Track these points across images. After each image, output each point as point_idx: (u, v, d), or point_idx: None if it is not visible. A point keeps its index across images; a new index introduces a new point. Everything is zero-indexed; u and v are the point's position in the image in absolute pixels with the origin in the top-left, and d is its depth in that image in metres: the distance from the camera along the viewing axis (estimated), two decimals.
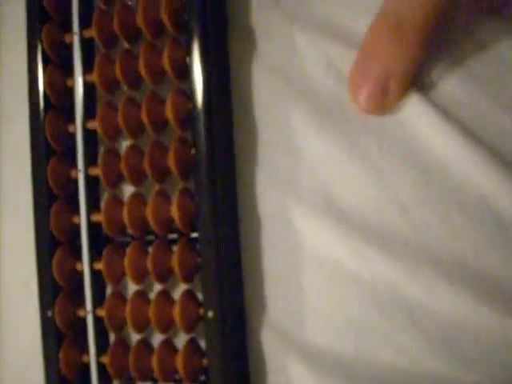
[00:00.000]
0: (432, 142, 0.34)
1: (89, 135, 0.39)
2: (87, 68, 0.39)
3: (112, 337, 0.40)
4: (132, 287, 0.40)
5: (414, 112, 0.34)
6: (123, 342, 0.39)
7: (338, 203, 0.36)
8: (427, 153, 0.34)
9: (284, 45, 0.37)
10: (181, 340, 0.38)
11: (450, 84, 0.34)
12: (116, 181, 0.39)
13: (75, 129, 0.39)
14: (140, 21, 0.37)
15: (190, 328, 0.37)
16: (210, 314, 0.35)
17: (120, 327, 0.39)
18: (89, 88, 0.40)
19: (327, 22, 0.37)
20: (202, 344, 0.37)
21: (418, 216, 0.34)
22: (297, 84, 0.37)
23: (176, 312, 0.37)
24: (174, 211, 0.36)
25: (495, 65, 0.34)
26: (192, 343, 0.37)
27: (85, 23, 0.39)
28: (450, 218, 0.34)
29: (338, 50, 0.36)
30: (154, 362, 0.37)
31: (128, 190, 0.40)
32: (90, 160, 0.39)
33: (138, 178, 0.38)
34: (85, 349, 0.39)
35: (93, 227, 0.39)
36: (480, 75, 0.34)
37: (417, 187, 0.34)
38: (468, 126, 0.34)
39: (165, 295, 0.38)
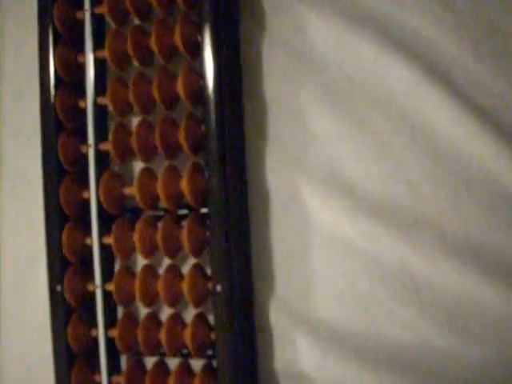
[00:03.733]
0: (440, 118, 0.34)
1: (99, 111, 0.40)
2: (98, 44, 0.40)
3: (120, 311, 0.40)
4: (141, 261, 0.40)
5: (423, 89, 0.35)
6: (132, 316, 0.39)
7: (346, 179, 0.36)
8: (435, 129, 0.35)
9: (294, 23, 0.38)
10: (189, 314, 0.38)
11: (459, 61, 0.35)
12: (126, 156, 0.39)
13: (86, 104, 0.40)
14: None
15: (198, 302, 0.37)
16: (219, 288, 0.35)
17: (129, 301, 0.39)
18: (100, 64, 0.40)
19: (336, 0, 0.37)
20: (210, 318, 0.38)
21: (424, 192, 0.35)
22: (306, 61, 0.37)
23: (185, 286, 0.37)
24: (184, 186, 0.37)
25: (504, 42, 0.34)
26: (200, 317, 0.38)
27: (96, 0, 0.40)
28: (457, 194, 0.34)
29: (347, 28, 0.36)
30: (163, 335, 0.37)
31: (138, 165, 0.40)
32: (101, 135, 0.39)
33: (148, 154, 0.38)
34: (93, 323, 0.39)
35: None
36: (490, 53, 0.34)
37: (425, 163, 0.35)
38: (476, 103, 0.34)
39: (174, 269, 0.38)
